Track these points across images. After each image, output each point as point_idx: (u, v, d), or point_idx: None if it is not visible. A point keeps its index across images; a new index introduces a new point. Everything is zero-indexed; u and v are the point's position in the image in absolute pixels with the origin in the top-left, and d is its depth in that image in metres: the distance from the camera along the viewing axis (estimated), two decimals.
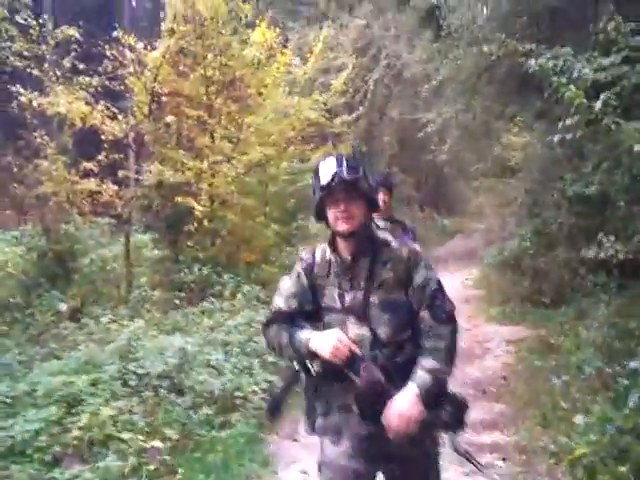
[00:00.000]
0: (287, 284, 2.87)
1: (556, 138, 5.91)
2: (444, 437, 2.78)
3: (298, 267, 2.87)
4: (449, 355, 2.68)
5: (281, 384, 2.97)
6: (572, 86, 5.25)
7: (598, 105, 5.08)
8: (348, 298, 2.73)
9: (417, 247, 2.84)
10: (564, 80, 5.41)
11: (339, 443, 2.76)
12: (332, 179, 2.65)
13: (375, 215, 5.35)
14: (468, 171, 18.26)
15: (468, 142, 14.60)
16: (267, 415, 3.00)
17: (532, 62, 6.07)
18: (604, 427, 4.46)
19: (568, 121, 5.46)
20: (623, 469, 3.94)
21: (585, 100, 5.12)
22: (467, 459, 3.72)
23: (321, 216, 2.80)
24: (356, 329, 2.68)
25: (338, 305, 2.75)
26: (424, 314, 2.67)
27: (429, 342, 2.65)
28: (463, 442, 3.48)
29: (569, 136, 5.62)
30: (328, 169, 2.68)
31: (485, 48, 8.14)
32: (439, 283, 2.75)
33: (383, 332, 2.68)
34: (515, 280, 11.48)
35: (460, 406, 2.69)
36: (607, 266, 7.79)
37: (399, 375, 2.63)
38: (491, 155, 14.90)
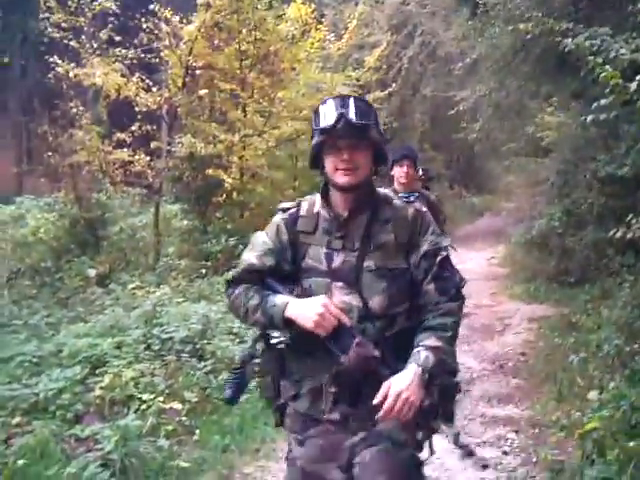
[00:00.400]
0: (262, 238, 2.44)
1: (590, 118, 5.86)
2: (445, 431, 2.53)
3: (277, 219, 2.46)
4: (454, 335, 2.30)
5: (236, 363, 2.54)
6: (608, 66, 5.19)
7: (634, 86, 5.01)
8: (337, 260, 2.32)
9: (423, 208, 2.47)
10: (600, 60, 5.36)
11: (306, 443, 2.40)
12: (337, 121, 2.22)
13: (397, 188, 5.28)
14: (499, 150, 18.12)
15: (501, 121, 14.43)
16: (226, 401, 2.55)
17: (569, 41, 6.00)
18: (618, 403, 4.47)
19: (603, 101, 5.40)
20: (632, 444, 3.94)
21: (621, 81, 5.07)
22: (469, 454, 3.79)
23: (317, 163, 2.40)
24: (343, 297, 2.28)
25: (324, 267, 2.33)
26: (429, 287, 2.31)
27: (434, 319, 2.27)
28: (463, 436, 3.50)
29: (603, 116, 5.57)
30: (332, 109, 2.26)
31: (521, 26, 8.01)
32: (448, 252, 2.40)
33: (376, 303, 2.28)
34: (541, 259, 11.45)
35: (450, 394, 2.35)
36: (635, 247, 7.72)
37: (389, 353, 2.23)
38: (524, 134, 14.73)
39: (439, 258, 2.33)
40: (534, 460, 4.65)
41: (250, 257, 2.42)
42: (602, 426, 4.25)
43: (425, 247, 2.34)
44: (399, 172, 5.49)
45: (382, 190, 2.48)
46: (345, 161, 2.27)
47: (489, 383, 6.71)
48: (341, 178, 2.29)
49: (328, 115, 2.26)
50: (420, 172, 6.47)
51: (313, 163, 2.43)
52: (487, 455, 4.93)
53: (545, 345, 7.55)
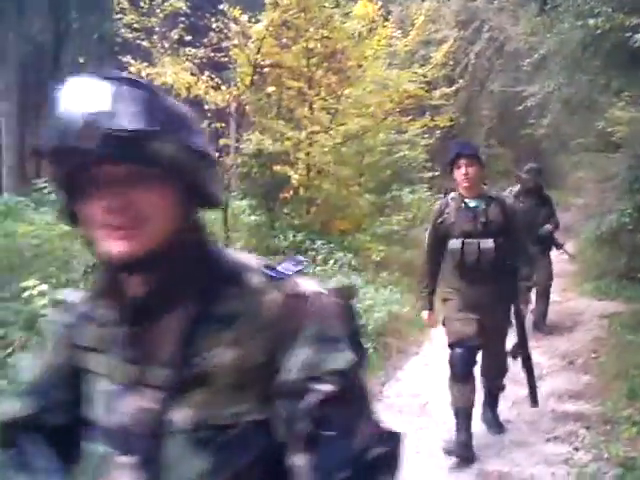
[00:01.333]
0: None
1: None
2: None
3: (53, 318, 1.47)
4: None
5: None
6: None
7: None
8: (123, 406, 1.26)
9: (307, 288, 1.25)
10: None
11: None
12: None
13: (463, 193, 4.92)
14: (568, 145, 17.80)
15: (570, 116, 14.24)
16: None
17: (638, 36, 5.96)
18: None
19: None
20: None
21: None
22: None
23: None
24: None
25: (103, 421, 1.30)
26: (299, 462, 1.12)
27: None
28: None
29: None
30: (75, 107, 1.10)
31: (591, 22, 7.96)
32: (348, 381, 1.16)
33: None
34: (612, 255, 11.28)
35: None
36: None
37: None
38: (593, 129, 14.47)
39: (319, 398, 1.12)
40: (605, 456, 4.63)
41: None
42: None
43: (293, 375, 1.15)
44: (458, 175, 4.82)
45: (228, 255, 1.31)
46: (113, 211, 1.15)
47: (560, 379, 6.68)
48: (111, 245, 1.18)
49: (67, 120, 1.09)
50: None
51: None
52: (558, 451, 4.94)
53: (616, 342, 7.46)
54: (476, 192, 4.86)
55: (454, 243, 4.82)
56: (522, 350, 5.27)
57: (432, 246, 5.07)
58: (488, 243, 4.70)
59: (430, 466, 4.77)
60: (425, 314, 5.32)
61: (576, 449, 4.96)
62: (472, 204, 4.83)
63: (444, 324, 5.10)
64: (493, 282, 4.77)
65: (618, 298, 9.83)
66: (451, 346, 4.93)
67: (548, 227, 8.39)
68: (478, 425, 5.59)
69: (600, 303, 9.77)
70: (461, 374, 4.87)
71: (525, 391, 6.43)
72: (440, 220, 4.95)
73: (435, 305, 5.33)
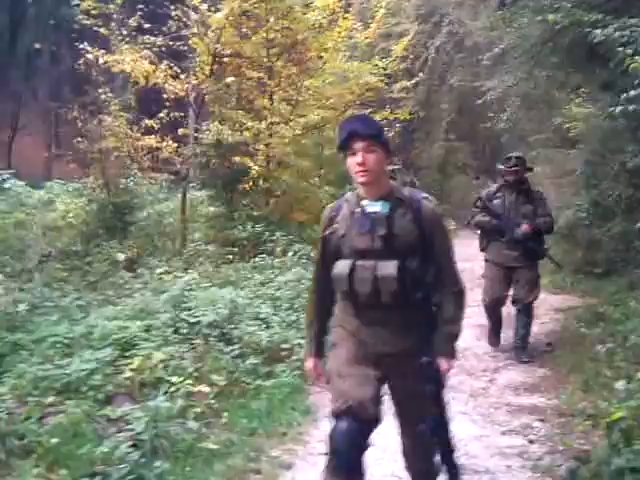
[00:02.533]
0: None
1: (618, 109, 5.84)
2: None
3: None
4: None
5: None
6: (638, 58, 5.18)
7: None
8: None
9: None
10: (630, 52, 5.35)
11: None
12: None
13: (360, 190, 3.56)
14: (527, 140, 18.01)
15: (528, 111, 14.41)
16: None
17: (598, 32, 6.00)
18: None
19: (632, 93, 5.39)
20: None
21: None
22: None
23: None
24: None
25: None
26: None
27: None
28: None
29: (632, 108, 5.56)
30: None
31: (550, 17, 7.99)
32: None
33: None
34: (568, 250, 11.41)
35: None
36: None
37: None
38: (551, 125, 14.69)
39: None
40: (560, 449, 4.67)
41: None
42: (629, 415, 4.26)
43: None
44: (352, 165, 3.29)
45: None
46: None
47: (515, 372, 6.73)
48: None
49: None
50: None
51: None
52: (513, 443, 4.96)
53: (571, 335, 7.55)
54: (378, 190, 3.23)
55: (340, 266, 3.26)
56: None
57: (320, 269, 3.49)
58: (389, 267, 3.13)
59: (385, 458, 4.76)
60: (308, 363, 3.69)
61: (531, 442, 4.99)
62: (371, 208, 3.23)
63: (328, 381, 3.51)
64: (400, 323, 3.24)
65: (574, 292, 9.96)
66: (334, 416, 3.26)
67: (524, 228, 6.90)
68: None
69: (556, 297, 9.87)
70: (345, 464, 3.22)
71: (481, 383, 6.52)
72: (329, 232, 3.38)
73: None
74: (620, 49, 5.45)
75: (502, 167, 7.28)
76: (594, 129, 11.87)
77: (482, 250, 7.50)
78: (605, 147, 10.93)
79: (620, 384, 5.02)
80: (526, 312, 7.23)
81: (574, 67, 10.42)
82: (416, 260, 3.10)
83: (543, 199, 7.31)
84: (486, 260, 7.47)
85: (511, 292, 7.31)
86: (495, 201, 7.19)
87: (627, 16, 6.12)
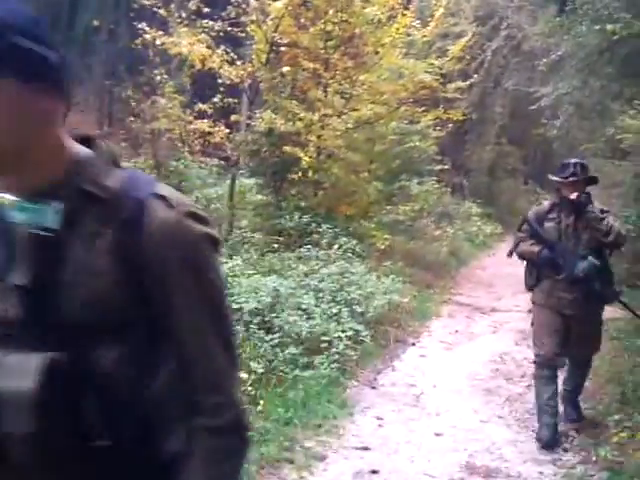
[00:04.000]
0: None
1: None
2: None
3: None
4: None
5: None
6: None
7: None
8: None
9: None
10: None
11: None
12: None
13: None
14: (577, 149, 17.78)
15: (581, 120, 14.22)
16: None
17: None
18: None
19: None
20: None
21: None
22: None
23: None
24: None
25: None
26: None
27: None
28: None
29: None
30: None
31: (609, 27, 7.93)
32: None
33: None
34: (613, 262, 11.22)
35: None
36: None
37: None
38: (603, 135, 14.47)
39: None
40: (594, 459, 4.64)
41: None
42: None
43: None
44: None
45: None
46: None
47: None
48: None
49: None
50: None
51: None
52: (547, 450, 4.94)
53: (612, 347, 7.45)
54: (20, 176, 1.28)
55: None
56: None
57: None
58: (23, 372, 1.19)
59: (419, 456, 4.78)
60: None
61: (565, 450, 4.97)
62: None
63: None
64: None
65: (617, 304, 9.80)
66: None
67: (591, 262, 5.05)
68: (468, 416, 5.61)
69: None
70: None
71: (518, 389, 6.49)
72: None
73: None
74: None
75: (556, 178, 5.25)
76: None
77: (529, 289, 5.59)
78: None
79: None
80: (583, 368, 5.66)
81: (630, 78, 10.29)
82: (117, 349, 1.29)
83: (609, 220, 5.05)
84: (534, 303, 5.52)
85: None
86: (547, 224, 5.25)
87: None
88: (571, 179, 5.08)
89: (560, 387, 5.41)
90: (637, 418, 5.01)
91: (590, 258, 5.00)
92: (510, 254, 5.69)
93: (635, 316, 5.97)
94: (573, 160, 5.23)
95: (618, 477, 4.29)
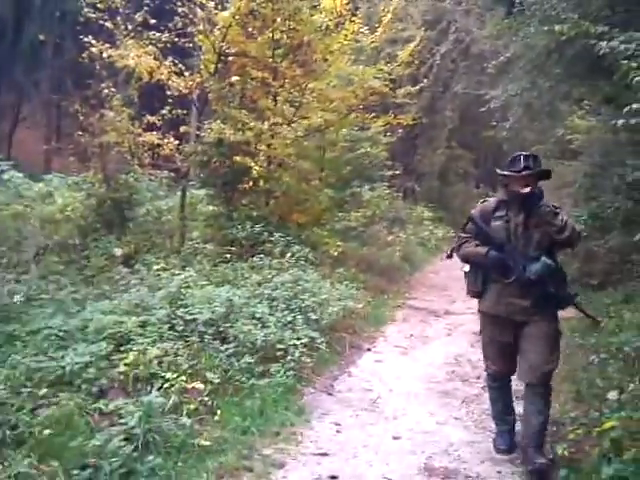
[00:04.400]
0: None
1: (620, 122, 5.87)
2: None
3: None
4: None
5: None
6: None
7: None
8: None
9: None
10: (635, 65, 5.36)
11: None
12: None
13: None
14: (528, 150, 18.08)
15: (531, 121, 14.46)
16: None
17: (603, 45, 6.02)
18: (637, 404, 4.51)
19: (635, 106, 5.42)
20: None
21: None
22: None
23: None
24: None
25: None
26: None
27: None
28: None
29: (634, 121, 5.59)
30: None
31: (557, 27, 8.03)
32: None
33: None
34: (565, 261, 11.37)
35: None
36: None
37: None
38: (553, 136, 14.73)
39: None
40: (551, 456, 4.67)
41: None
42: (620, 426, 4.28)
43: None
44: None
45: None
46: None
47: None
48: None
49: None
50: None
51: None
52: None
53: (566, 345, 7.53)
54: None
55: None
56: None
57: None
58: None
59: (377, 460, 4.77)
60: None
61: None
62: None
63: None
64: None
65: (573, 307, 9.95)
66: None
67: (544, 263, 4.53)
68: (425, 419, 5.62)
69: None
70: None
71: (474, 390, 6.53)
72: None
73: None
74: (624, 62, 5.47)
75: (506, 173, 4.69)
76: (595, 142, 11.91)
77: (473, 296, 5.03)
78: (606, 160, 10.96)
79: (612, 394, 5.07)
80: (541, 390, 4.66)
81: (578, 79, 10.46)
82: None
83: (563, 217, 4.56)
84: (481, 311, 5.01)
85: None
86: (495, 223, 4.75)
87: (633, 29, 6.14)
88: (525, 172, 4.54)
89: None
90: (593, 415, 5.06)
91: (544, 259, 4.49)
92: (450, 255, 5.06)
93: (591, 319, 5.47)
94: (525, 153, 4.66)
95: (576, 474, 4.33)
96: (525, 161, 4.57)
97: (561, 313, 4.81)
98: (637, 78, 5.15)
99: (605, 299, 8.95)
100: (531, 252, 4.58)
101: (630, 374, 5.63)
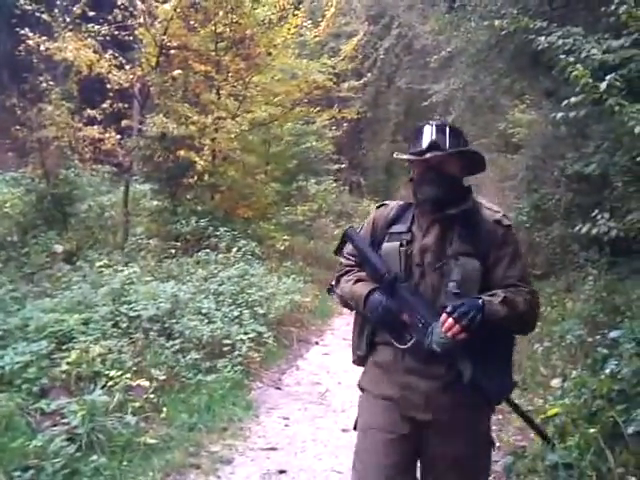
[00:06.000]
0: None
1: (560, 116, 5.94)
2: None
3: None
4: None
5: None
6: (579, 66, 5.27)
7: (603, 86, 5.09)
8: None
9: None
10: (572, 59, 5.44)
11: None
12: None
13: None
14: (471, 144, 18.31)
15: (474, 115, 14.62)
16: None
17: (542, 40, 6.09)
18: (579, 391, 4.57)
19: (573, 100, 5.48)
20: (592, 430, 4.04)
21: (591, 80, 5.14)
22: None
23: None
24: None
25: None
26: None
27: None
28: None
29: (573, 115, 5.66)
30: None
31: (496, 23, 8.10)
32: None
33: None
34: None
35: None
36: (599, 243, 7.89)
37: None
38: (495, 130, 14.95)
39: None
40: (497, 444, 4.72)
41: None
42: (564, 413, 4.35)
43: None
44: None
45: None
46: None
47: None
48: None
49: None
50: None
51: None
52: None
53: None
54: None
55: None
56: None
57: None
58: None
59: (326, 453, 4.76)
60: None
61: None
62: None
63: None
64: None
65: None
66: None
67: (445, 324, 2.37)
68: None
69: None
70: None
71: None
72: None
73: None
74: (563, 57, 5.54)
75: (405, 156, 2.73)
76: (537, 135, 12.09)
77: (360, 364, 2.94)
78: (546, 153, 11.14)
79: (555, 382, 5.15)
80: None
81: (519, 73, 10.61)
82: None
83: (511, 241, 2.66)
84: (361, 389, 2.90)
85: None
86: (389, 244, 2.73)
87: (570, 25, 6.23)
88: (429, 155, 2.58)
89: None
90: (537, 402, 5.14)
91: (465, 305, 2.39)
92: (329, 290, 2.96)
93: (542, 438, 3.16)
94: (435, 122, 2.74)
95: (521, 460, 4.37)
96: (432, 135, 2.63)
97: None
98: (574, 73, 5.22)
99: (548, 289, 9.09)
100: (446, 299, 2.51)
101: (573, 362, 5.73)
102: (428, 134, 2.62)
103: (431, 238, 2.62)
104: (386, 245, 2.69)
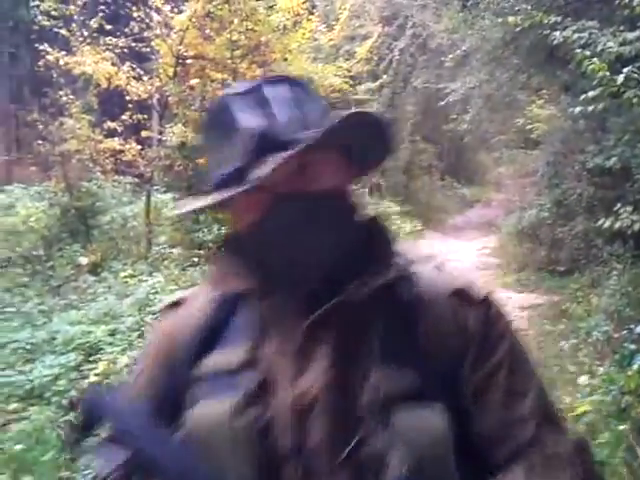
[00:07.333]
0: None
1: (578, 110, 5.92)
2: None
3: None
4: None
5: None
6: (596, 59, 5.25)
7: (620, 78, 5.07)
8: None
9: None
10: (588, 53, 5.41)
11: None
12: None
13: None
14: (489, 142, 18.22)
15: (491, 113, 14.59)
16: None
17: (557, 34, 6.07)
18: (607, 388, 4.55)
19: (591, 94, 5.46)
20: (623, 427, 4.01)
21: (608, 73, 5.12)
22: None
23: None
24: None
25: None
26: None
27: None
28: None
29: (591, 108, 5.63)
30: None
31: (510, 19, 8.09)
32: None
33: None
34: (532, 249, 11.55)
35: None
36: (623, 237, 7.82)
37: None
38: (513, 126, 14.87)
39: None
40: None
41: None
42: (593, 410, 4.32)
43: None
44: None
45: None
46: None
47: None
48: None
49: None
50: None
51: None
52: None
53: (536, 332, 7.61)
54: None
55: None
56: None
57: None
58: None
59: None
60: None
61: None
62: None
63: None
64: None
65: (538, 290, 10.05)
66: None
67: None
68: None
69: (520, 295, 9.94)
70: None
71: None
72: None
73: None
74: (579, 51, 5.51)
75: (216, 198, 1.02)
76: (555, 130, 12.01)
77: None
78: (566, 147, 11.07)
79: (583, 379, 5.11)
80: None
81: (535, 69, 10.55)
82: None
83: (501, 333, 1.09)
84: None
85: None
86: (197, 412, 1.03)
87: (585, 18, 6.20)
88: (266, 170, 0.96)
89: None
90: (565, 400, 5.10)
91: None
92: None
93: None
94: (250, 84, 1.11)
95: None
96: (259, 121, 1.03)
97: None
98: (591, 66, 5.20)
99: (573, 284, 9.03)
100: None
101: (600, 358, 5.69)
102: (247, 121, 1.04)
103: (316, 374, 1.02)
104: (198, 412, 1.04)
